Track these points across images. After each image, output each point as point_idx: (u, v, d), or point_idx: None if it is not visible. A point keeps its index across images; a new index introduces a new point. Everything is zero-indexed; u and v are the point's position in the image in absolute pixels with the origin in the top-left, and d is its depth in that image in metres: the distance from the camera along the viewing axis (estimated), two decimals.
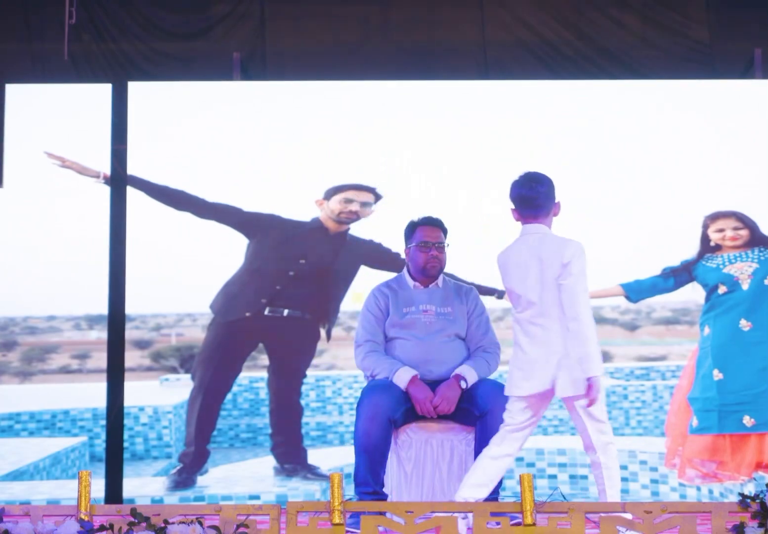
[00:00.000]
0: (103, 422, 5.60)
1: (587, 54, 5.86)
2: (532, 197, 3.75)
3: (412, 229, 4.40)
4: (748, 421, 5.45)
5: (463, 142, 5.82)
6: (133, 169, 5.73)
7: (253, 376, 5.96)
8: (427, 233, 4.34)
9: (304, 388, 5.81)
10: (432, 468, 4.12)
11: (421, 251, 4.33)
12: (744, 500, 3.04)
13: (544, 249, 3.67)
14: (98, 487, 5.24)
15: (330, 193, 5.77)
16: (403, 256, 4.56)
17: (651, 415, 5.99)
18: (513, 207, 3.81)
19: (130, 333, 5.71)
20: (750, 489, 5.09)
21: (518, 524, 3.01)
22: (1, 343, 6.01)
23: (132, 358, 5.83)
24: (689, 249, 5.77)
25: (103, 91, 5.76)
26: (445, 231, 4.39)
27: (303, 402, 5.76)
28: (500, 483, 3.98)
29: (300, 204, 5.82)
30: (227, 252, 5.79)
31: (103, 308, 5.68)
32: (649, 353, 6.39)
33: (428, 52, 5.85)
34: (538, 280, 3.64)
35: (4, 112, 5.82)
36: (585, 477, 5.68)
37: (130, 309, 5.62)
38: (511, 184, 3.83)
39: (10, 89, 5.80)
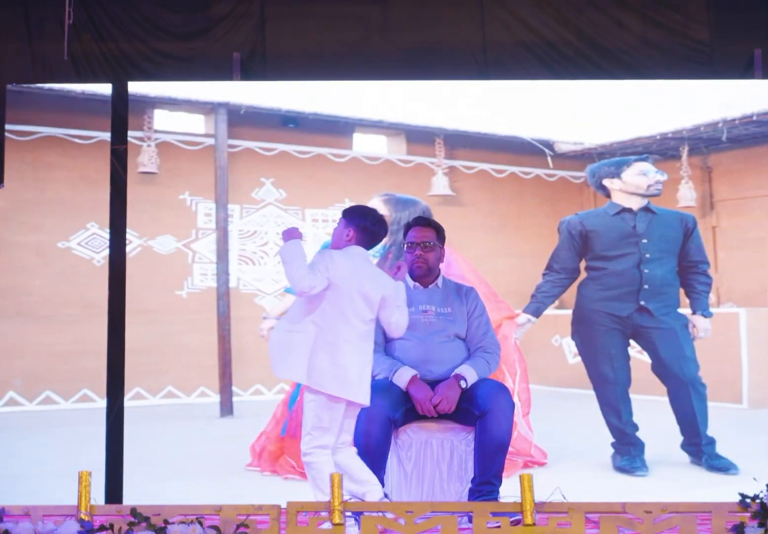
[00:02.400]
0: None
1: (587, 54, 5.85)
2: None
3: (405, 231, 4.42)
4: None
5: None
6: None
7: None
8: (414, 234, 4.35)
9: None
10: (432, 468, 4.12)
11: (408, 252, 4.36)
12: (744, 500, 3.04)
13: None
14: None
15: None
16: None
17: None
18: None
19: None
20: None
21: (518, 524, 3.01)
22: None
23: None
24: None
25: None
26: (437, 230, 4.37)
27: None
28: (500, 481, 3.99)
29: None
30: None
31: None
32: None
33: (428, 52, 5.84)
34: None
35: (4, 112, 5.81)
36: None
37: None
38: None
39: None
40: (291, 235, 3.99)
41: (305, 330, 3.90)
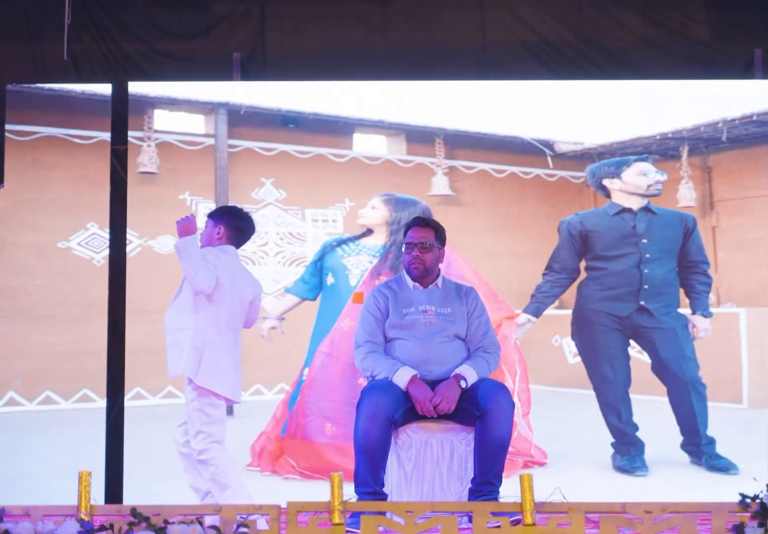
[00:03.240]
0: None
1: (587, 54, 5.85)
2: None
3: (405, 231, 4.41)
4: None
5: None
6: None
7: None
8: (412, 234, 4.34)
9: None
10: (432, 468, 4.12)
11: (406, 252, 4.34)
12: (744, 500, 3.03)
13: None
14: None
15: None
16: None
17: None
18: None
19: None
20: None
21: (518, 523, 3.01)
22: None
23: None
24: None
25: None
26: (436, 230, 4.36)
27: None
28: (500, 481, 3.99)
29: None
30: None
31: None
32: None
33: (428, 52, 5.84)
34: None
35: (4, 112, 5.81)
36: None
37: None
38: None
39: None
40: (187, 230, 4.04)
41: (192, 327, 4.06)
